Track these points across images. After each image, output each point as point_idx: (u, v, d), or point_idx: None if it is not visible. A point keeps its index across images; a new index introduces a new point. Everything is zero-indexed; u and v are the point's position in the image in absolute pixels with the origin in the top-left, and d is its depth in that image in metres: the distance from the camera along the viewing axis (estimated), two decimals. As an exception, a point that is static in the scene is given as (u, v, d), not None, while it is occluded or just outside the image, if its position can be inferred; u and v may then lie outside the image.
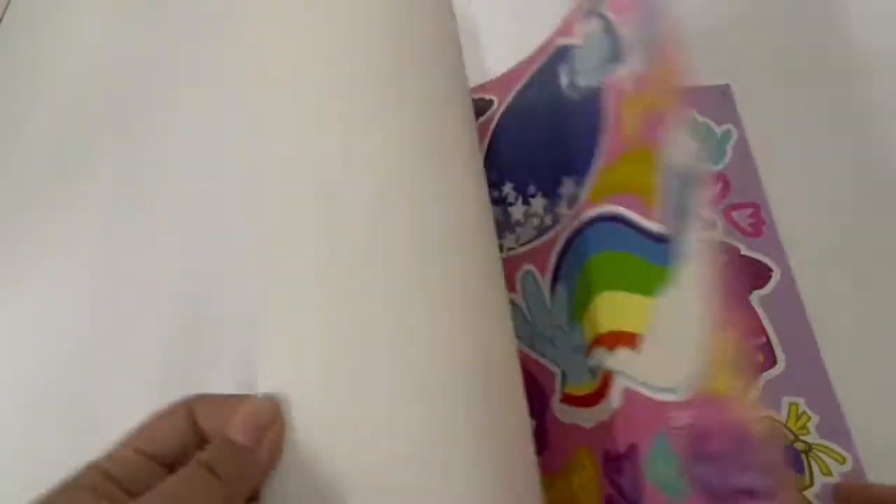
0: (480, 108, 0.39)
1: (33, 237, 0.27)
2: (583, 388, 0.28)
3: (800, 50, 0.39)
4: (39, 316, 0.29)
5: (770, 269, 0.32)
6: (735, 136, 0.35)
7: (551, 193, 0.32)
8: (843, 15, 0.40)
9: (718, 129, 0.36)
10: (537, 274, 0.32)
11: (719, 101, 0.36)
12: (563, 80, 0.33)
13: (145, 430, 0.19)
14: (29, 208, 0.32)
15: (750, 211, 0.34)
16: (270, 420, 0.19)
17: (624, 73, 0.29)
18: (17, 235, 0.32)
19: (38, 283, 0.26)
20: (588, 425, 0.27)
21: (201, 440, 0.20)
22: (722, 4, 0.41)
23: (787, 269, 0.32)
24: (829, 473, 0.28)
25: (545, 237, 0.32)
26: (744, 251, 0.33)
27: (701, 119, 0.36)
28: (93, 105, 0.34)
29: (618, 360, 0.26)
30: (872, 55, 0.38)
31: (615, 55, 0.30)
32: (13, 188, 0.34)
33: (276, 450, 0.19)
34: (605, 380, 0.27)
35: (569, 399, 0.28)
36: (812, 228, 0.33)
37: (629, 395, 0.26)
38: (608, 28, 0.31)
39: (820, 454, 0.28)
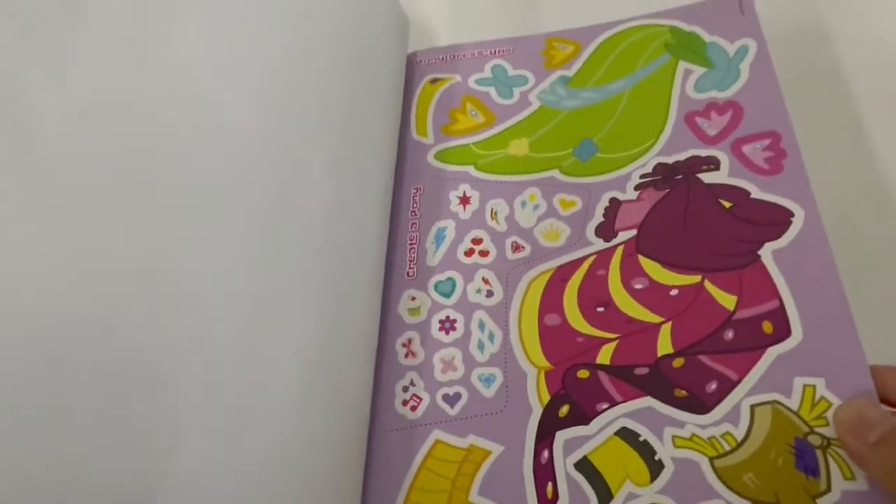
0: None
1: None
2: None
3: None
4: None
5: (790, 214, 0.24)
6: (753, 51, 0.28)
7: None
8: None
9: (731, 47, 0.28)
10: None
11: (734, 13, 0.29)
12: None
13: None
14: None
15: (767, 142, 0.26)
16: None
17: None
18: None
19: None
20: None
21: None
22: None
23: (813, 213, 0.24)
24: (852, 477, 0.20)
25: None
26: (755, 194, 0.25)
27: (709, 38, 0.29)
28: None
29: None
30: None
31: None
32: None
33: None
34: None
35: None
36: (851, 163, 0.25)
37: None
38: None
39: (842, 452, 0.20)
